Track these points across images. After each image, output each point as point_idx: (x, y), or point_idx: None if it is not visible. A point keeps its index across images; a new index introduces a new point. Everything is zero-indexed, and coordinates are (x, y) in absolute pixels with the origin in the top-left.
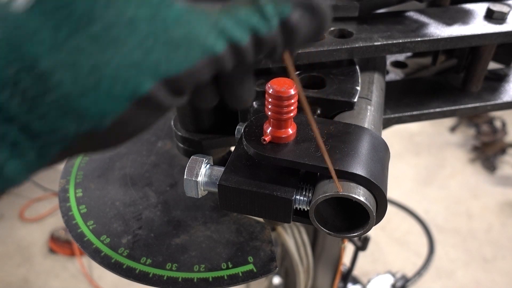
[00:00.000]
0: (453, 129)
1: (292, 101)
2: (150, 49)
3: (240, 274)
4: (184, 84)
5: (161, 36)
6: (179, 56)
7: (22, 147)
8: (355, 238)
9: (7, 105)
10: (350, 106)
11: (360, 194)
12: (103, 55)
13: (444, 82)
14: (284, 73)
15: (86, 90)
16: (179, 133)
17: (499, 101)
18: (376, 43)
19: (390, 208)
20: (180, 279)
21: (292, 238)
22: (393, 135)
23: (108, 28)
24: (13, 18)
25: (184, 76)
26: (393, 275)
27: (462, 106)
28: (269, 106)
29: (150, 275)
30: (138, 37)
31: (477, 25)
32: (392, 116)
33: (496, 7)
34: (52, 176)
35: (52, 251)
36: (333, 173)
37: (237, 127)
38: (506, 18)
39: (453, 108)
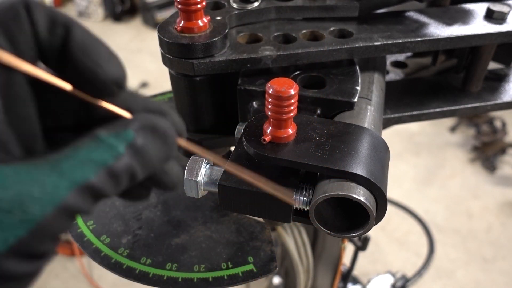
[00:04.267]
0: (453, 129)
1: (292, 101)
2: None
3: (240, 274)
4: (34, 245)
5: None
6: (15, 221)
7: None
8: (355, 238)
9: None
10: (350, 106)
11: (360, 194)
12: None
13: (444, 82)
14: (284, 73)
15: None
16: None
17: (499, 101)
18: (376, 43)
19: (390, 208)
20: (180, 279)
21: (292, 238)
22: (393, 135)
23: None
24: None
25: (29, 237)
26: (393, 275)
27: (462, 106)
28: (269, 106)
29: (150, 275)
30: None
31: (477, 25)
32: (392, 116)
33: (496, 7)
34: None
35: None
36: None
37: (237, 127)
38: (506, 18)
39: (453, 108)
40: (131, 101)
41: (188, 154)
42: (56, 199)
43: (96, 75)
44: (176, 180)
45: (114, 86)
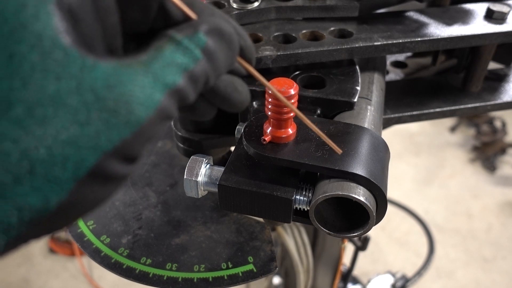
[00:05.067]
0: (453, 129)
1: (292, 101)
2: (85, 122)
3: (240, 274)
4: (134, 148)
5: (94, 104)
6: (120, 122)
7: None
8: (355, 238)
9: None
10: (350, 106)
11: (360, 194)
12: (31, 138)
13: (444, 82)
14: (284, 73)
15: (20, 177)
16: (179, 133)
17: (499, 101)
18: (376, 43)
19: (390, 208)
20: (180, 279)
21: (292, 238)
22: (393, 135)
23: (32, 109)
24: None
25: (132, 139)
26: (393, 275)
27: (462, 106)
28: (269, 106)
29: (150, 275)
30: (67, 112)
31: (477, 25)
32: (392, 116)
33: (496, 7)
34: None
35: (52, 251)
36: (328, 141)
37: (237, 127)
38: (506, 18)
39: (453, 108)
40: (196, 5)
41: (188, 154)
42: (155, 102)
43: None
44: (245, 99)
45: None
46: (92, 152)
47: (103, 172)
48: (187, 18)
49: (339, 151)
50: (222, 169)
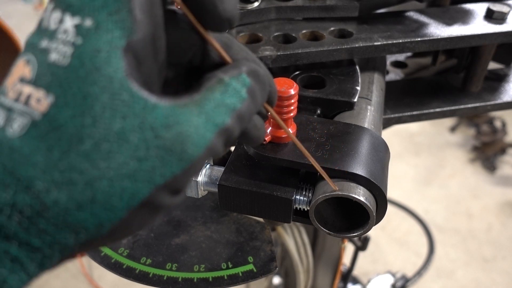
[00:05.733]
0: (453, 129)
1: (292, 101)
2: (143, 158)
3: (240, 274)
4: (182, 182)
5: (152, 142)
6: (174, 159)
7: (22, 262)
8: (355, 238)
9: (6, 225)
10: (350, 106)
11: (360, 194)
12: (96, 170)
13: (444, 82)
14: (284, 73)
15: (82, 205)
16: None
17: (499, 101)
18: (376, 43)
19: (390, 208)
20: (180, 279)
21: (292, 238)
22: (393, 135)
23: (99, 144)
24: (8, 143)
25: (181, 175)
26: (393, 275)
27: (462, 106)
28: None
29: (150, 275)
30: (129, 148)
31: (477, 25)
32: (392, 116)
33: (496, 7)
34: None
35: None
36: (324, 174)
37: None
38: (506, 18)
39: (453, 108)
40: (233, 47)
41: None
42: (206, 141)
43: (215, 7)
44: (262, 135)
45: (226, 23)
46: (146, 185)
47: (153, 203)
48: (223, 57)
49: (334, 187)
50: (222, 169)
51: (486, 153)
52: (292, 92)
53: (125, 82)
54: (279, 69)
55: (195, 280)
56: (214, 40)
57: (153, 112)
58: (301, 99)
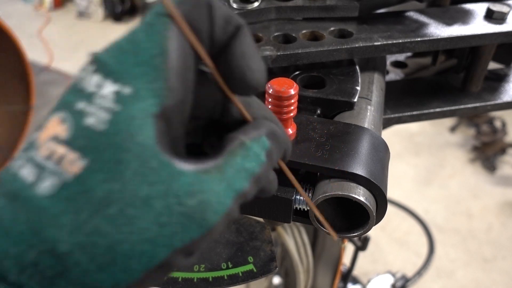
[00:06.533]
0: (453, 129)
1: (292, 101)
2: (165, 224)
3: (240, 274)
4: (198, 246)
5: (175, 209)
6: (194, 225)
7: None
8: (355, 238)
9: (27, 284)
10: (350, 106)
11: (360, 194)
12: (119, 234)
13: (444, 82)
14: (284, 73)
15: (103, 267)
16: None
17: (499, 101)
18: (376, 43)
19: (390, 208)
20: (180, 279)
21: (292, 238)
22: (393, 135)
23: (124, 209)
24: (37, 202)
25: (200, 240)
26: (393, 275)
27: (462, 106)
28: (269, 106)
29: None
30: (152, 214)
31: (477, 25)
32: (392, 116)
33: (496, 7)
34: None
35: None
36: (325, 223)
37: None
38: (506, 18)
39: (453, 108)
40: (253, 106)
41: None
42: (225, 208)
43: (244, 75)
44: (274, 188)
45: (252, 91)
46: (165, 249)
47: (168, 265)
48: (244, 115)
49: (334, 237)
50: None
51: (486, 153)
52: (292, 92)
53: (155, 150)
54: (279, 69)
55: (195, 280)
56: (237, 98)
57: (179, 179)
58: (301, 99)
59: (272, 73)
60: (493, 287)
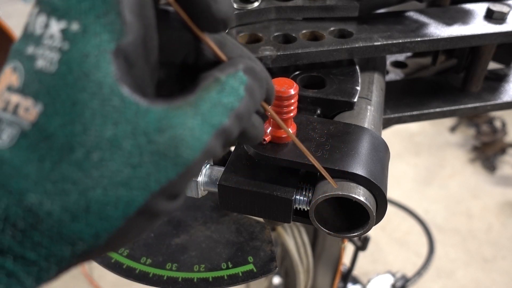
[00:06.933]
0: (453, 129)
1: (292, 101)
2: (137, 164)
3: (240, 274)
4: (179, 187)
5: (146, 148)
6: (169, 164)
7: (19, 276)
8: (355, 238)
9: (1, 239)
10: (350, 106)
11: (360, 194)
12: (89, 179)
13: (444, 82)
14: (284, 73)
15: (77, 215)
16: None
17: (499, 101)
18: (376, 43)
19: (390, 208)
20: (180, 279)
21: (292, 238)
22: (393, 135)
23: (90, 152)
24: None
25: (177, 180)
26: (393, 275)
27: (462, 106)
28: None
29: (150, 275)
30: (122, 155)
31: (477, 25)
32: (392, 116)
33: (496, 7)
34: None
35: None
36: (323, 172)
37: None
38: (506, 18)
39: (453, 108)
40: (228, 45)
41: None
42: (202, 144)
43: (209, 7)
44: (260, 134)
45: (221, 25)
46: (142, 192)
47: (149, 210)
48: (218, 55)
49: (334, 184)
50: (222, 169)
51: (486, 153)
52: (292, 92)
53: (116, 87)
54: (279, 69)
55: (195, 280)
56: (208, 38)
57: (146, 116)
58: (301, 99)
59: (272, 73)
60: (493, 287)
